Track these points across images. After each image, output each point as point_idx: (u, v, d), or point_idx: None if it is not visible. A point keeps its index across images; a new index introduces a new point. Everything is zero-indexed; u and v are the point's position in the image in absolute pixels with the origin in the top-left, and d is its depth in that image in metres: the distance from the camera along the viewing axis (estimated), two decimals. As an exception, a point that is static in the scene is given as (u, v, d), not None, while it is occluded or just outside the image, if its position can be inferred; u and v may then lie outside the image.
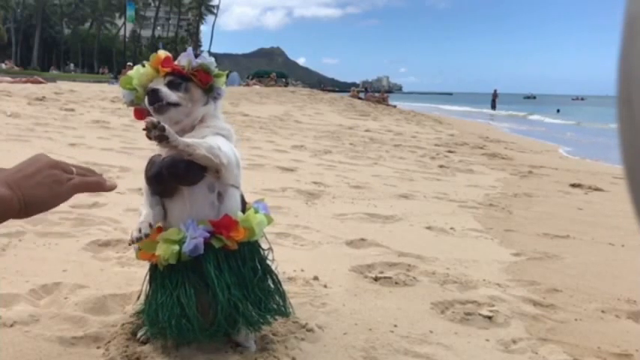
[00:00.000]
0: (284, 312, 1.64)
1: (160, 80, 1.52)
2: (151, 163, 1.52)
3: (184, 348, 1.57)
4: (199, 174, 1.46)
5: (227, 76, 1.63)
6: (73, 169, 1.05)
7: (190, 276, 1.50)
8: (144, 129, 1.36)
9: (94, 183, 1.06)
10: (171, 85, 1.52)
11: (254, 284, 1.55)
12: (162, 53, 1.56)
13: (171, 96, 1.50)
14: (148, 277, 1.61)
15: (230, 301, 1.47)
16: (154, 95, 1.49)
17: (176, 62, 1.55)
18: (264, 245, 1.65)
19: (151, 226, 1.46)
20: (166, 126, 1.35)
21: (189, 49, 1.57)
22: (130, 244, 1.53)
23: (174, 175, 1.46)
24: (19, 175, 0.94)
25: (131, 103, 1.58)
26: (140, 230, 1.45)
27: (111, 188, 1.11)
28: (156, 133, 1.33)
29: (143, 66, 1.56)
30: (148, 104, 1.51)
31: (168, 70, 1.52)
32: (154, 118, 1.37)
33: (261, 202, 1.68)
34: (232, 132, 1.61)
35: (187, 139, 1.41)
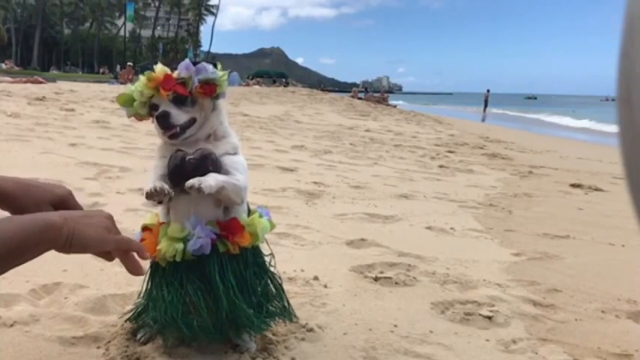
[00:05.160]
0: (287, 315, 1.63)
1: (164, 98, 1.47)
2: (173, 158, 1.48)
3: (184, 348, 1.56)
4: None
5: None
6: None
7: (190, 276, 1.49)
8: (185, 187, 1.35)
9: (136, 245, 1.17)
10: (177, 101, 1.47)
11: (255, 288, 1.54)
12: (160, 71, 1.47)
13: (182, 117, 1.46)
14: (148, 274, 1.61)
15: (234, 304, 1.46)
16: (164, 120, 1.45)
17: (176, 73, 1.48)
18: (265, 251, 1.65)
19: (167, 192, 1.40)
20: (201, 183, 1.34)
21: (187, 61, 1.49)
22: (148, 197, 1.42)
23: (176, 183, 1.46)
24: (75, 213, 1.05)
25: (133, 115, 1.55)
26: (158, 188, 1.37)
27: (148, 257, 1.23)
28: (195, 194, 1.35)
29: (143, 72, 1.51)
30: (159, 128, 1.48)
31: (169, 92, 1.45)
32: (195, 181, 1.35)
33: (264, 208, 1.68)
34: (239, 143, 1.59)
35: (218, 181, 1.39)
